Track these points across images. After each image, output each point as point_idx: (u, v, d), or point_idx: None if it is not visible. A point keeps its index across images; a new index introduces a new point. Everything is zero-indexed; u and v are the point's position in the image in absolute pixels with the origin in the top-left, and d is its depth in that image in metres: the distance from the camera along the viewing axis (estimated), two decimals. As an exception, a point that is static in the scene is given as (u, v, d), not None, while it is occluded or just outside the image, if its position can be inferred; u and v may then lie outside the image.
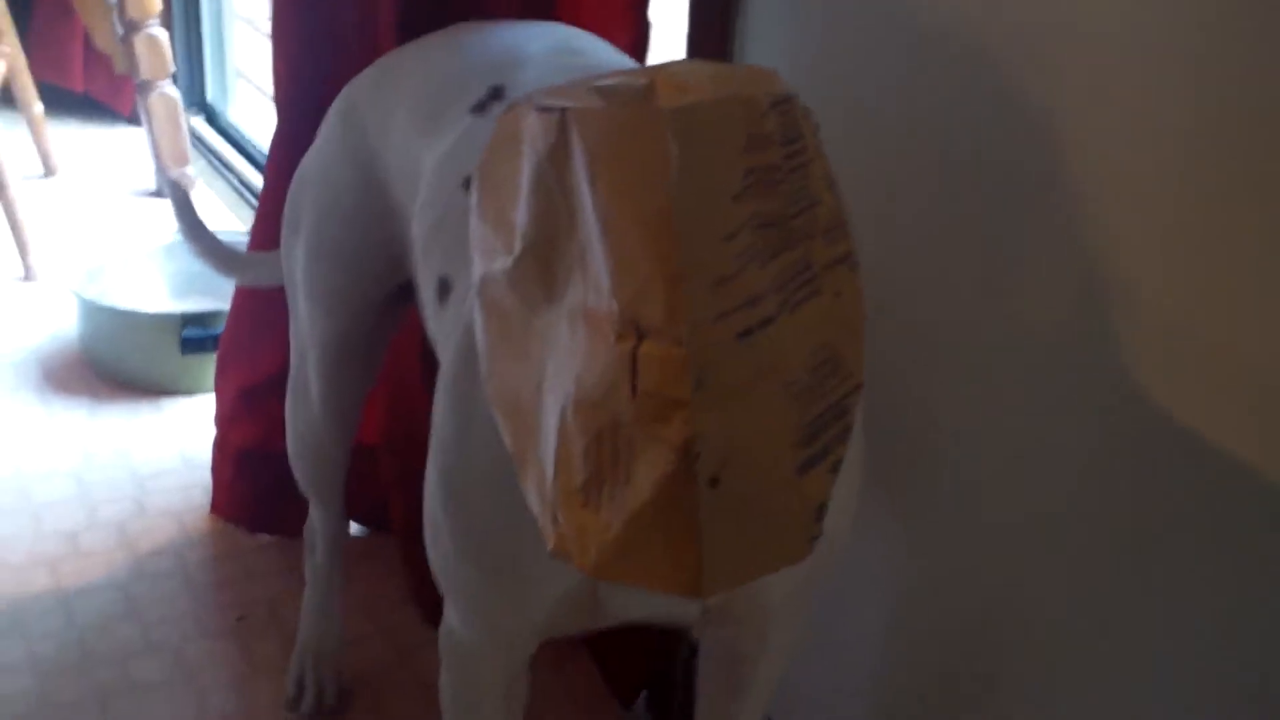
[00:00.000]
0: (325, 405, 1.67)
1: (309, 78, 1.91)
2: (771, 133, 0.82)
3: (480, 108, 1.32)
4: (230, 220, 3.26)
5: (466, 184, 0.95)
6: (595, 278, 0.81)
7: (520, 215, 0.86)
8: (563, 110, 0.82)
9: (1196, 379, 1.10)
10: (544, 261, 0.85)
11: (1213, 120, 1.05)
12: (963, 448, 1.34)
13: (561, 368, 0.84)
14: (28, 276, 3.05)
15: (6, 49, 3.29)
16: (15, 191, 3.03)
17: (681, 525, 0.80)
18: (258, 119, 3.63)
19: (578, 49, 1.41)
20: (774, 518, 0.83)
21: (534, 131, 0.84)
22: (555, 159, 0.83)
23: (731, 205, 0.80)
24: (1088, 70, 1.14)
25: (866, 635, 1.53)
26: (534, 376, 0.87)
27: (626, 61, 1.43)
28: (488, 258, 0.91)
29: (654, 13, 1.61)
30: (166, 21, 3.40)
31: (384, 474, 2.09)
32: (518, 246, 0.87)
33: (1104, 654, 1.23)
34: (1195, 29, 1.05)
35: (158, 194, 3.51)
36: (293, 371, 1.71)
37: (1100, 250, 1.15)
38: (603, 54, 1.42)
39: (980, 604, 1.37)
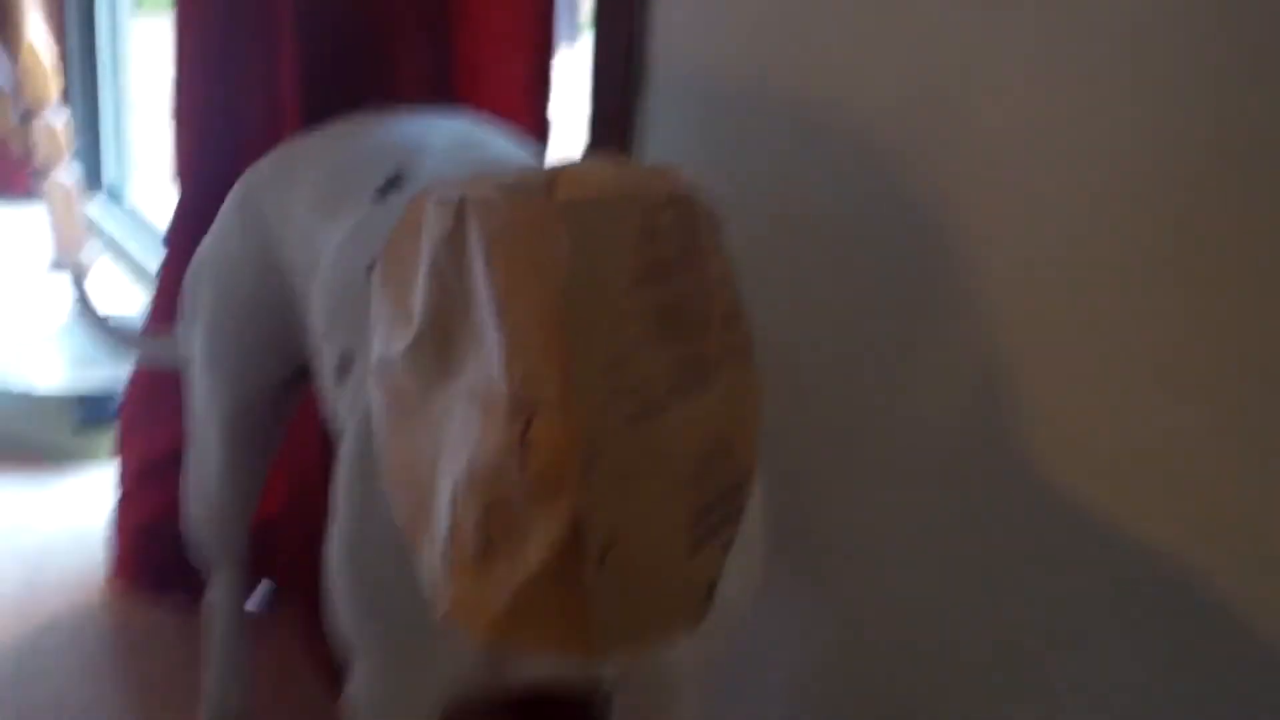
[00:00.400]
0: (226, 476, 1.69)
1: (210, 158, 1.95)
2: (667, 227, 0.87)
3: (380, 193, 1.37)
4: (131, 297, 3.26)
5: (370, 268, 0.99)
6: (488, 359, 0.85)
7: (417, 299, 0.91)
8: (460, 199, 0.86)
9: (1077, 462, 1.16)
10: (439, 343, 0.90)
11: (1101, 205, 1.11)
12: (863, 526, 1.40)
13: (456, 444, 0.88)
14: (-78, 355, 3.03)
15: (-98, 130, 3.30)
16: (-90, 271, 3.02)
17: (570, 594, 0.84)
18: (158, 199, 3.64)
19: (477, 142, 1.46)
20: (664, 592, 0.87)
21: (431, 220, 0.89)
22: (452, 245, 0.87)
23: (623, 295, 0.84)
24: (993, 162, 1.19)
25: (771, 699, 1.57)
26: (429, 452, 0.91)
27: (523, 154, 1.49)
28: (386, 340, 0.95)
29: (558, 107, 1.68)
30: (65, 98, 3.42)
31: (284, 543, 2.11)
32: (414, 329, 0.92)
33: (1009, 705, 1.29)
34: (1086, 109, 1.11)
35: (58, 268, 3.50)
36: (192, 445, 1.73)
37: (998, 351, 1.21)
38: (502, 147, 1.47)
39: (878, 677, 1.42)
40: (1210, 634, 1.09)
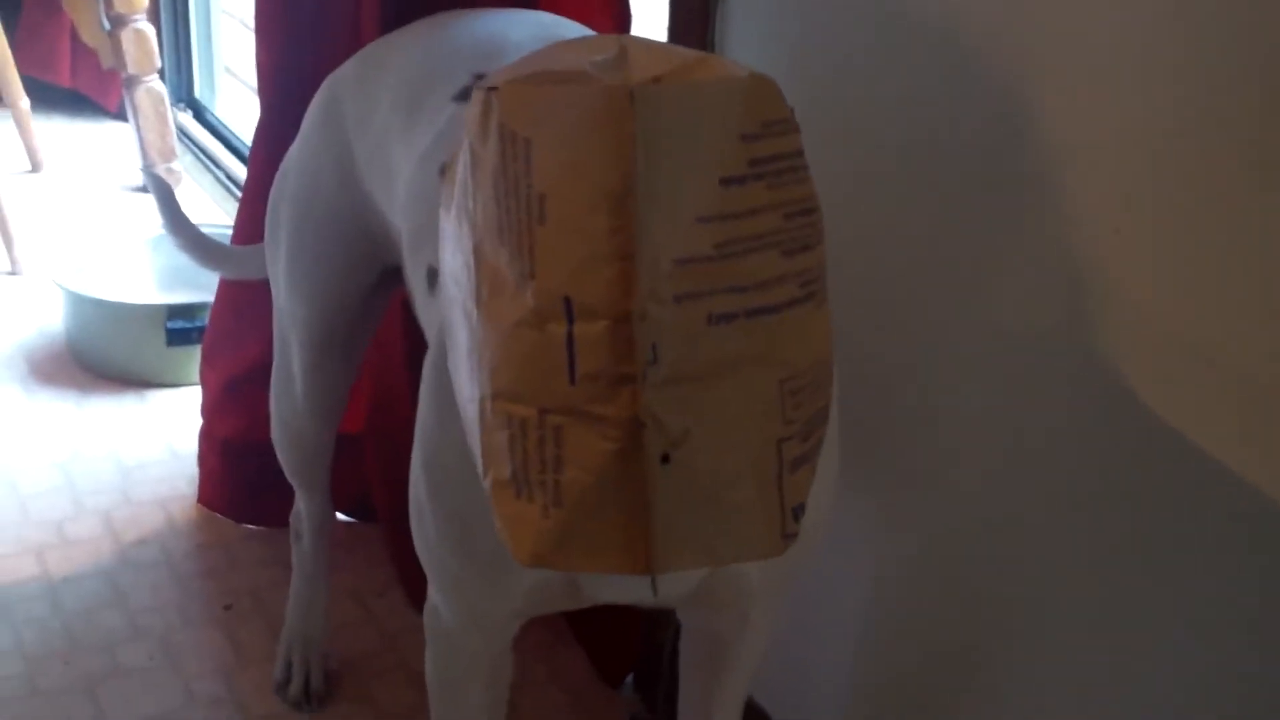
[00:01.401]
0: (309, 394, 1.68)
1: (293, 70, 1.92)
2: (780, 120, 0.81)
3: (464, 95, 1.33)
4: (216, 214, 3.27)
5: (441, 172, 0.94)
6: (498, 265, 0.79)
7: (454, 200, 0.86)
8: (491, 87, 0.80)
9: (1181, 378, 1.11)
10: (459, 247, 0.84)
11: (1198, 122, 1.06)
12: (947, 435, 1.36)
13: (471, 359, 0.83)
14: (14, 270, 3.05)
15: (-7, 44, 3.31)
16: (2, 184, 3.04)
17: (629, 502, 0.78)
18: (244, 115, 3.64)
19: (560, 36, 1.42)
20: (743, 508, 0.81)
21: (470, 110, 0.82)
22: (480, 138, 0.81)
23: (720, 188, 0.78)
24: (1076, 69, 1.15)
25: (846, 615, 1.54)
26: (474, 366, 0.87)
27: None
28: (446, 245, 0.91)
29: (635, 2, 1.63)
30: (154, 17, 3.41)
31: (368, 463, 2.11)
32: (462, 231, 0.86)
33: (1085, 634, 1.25)
34: (1183, 29, 1.06)
35: (144, 189, 3.51)
36: (276, 361, 1.72)
37: (1087, 249, 1.16)
38: None
39: (960, 584, 1.38)
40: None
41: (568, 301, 0.77)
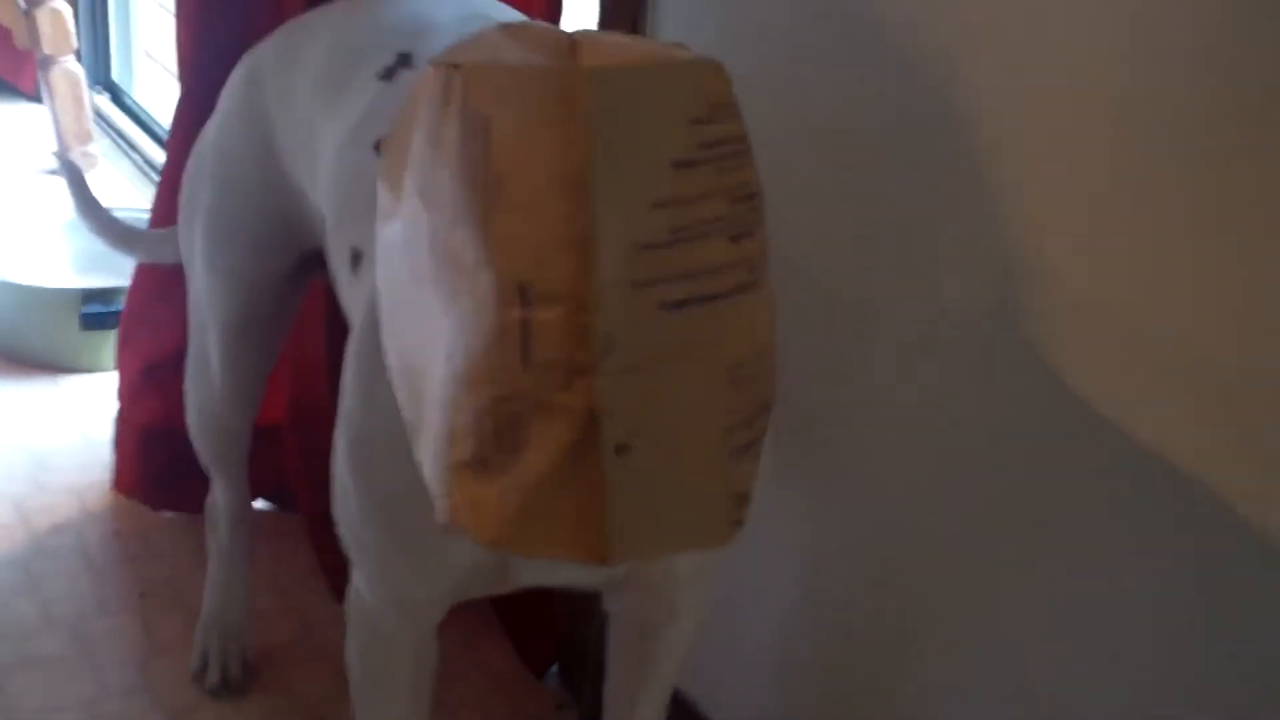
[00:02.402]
0: (226, 380, 1.65)
1: (213, 51, 1.89)
2: (717, 110, 0.80)
3: (388, 74, 1.31)
4: (134, 198, 3.21)
5: (378, 148, 0.93)
6: (456, 247, 0.79)
7: (408, 174, 0.85)
8: (453, 65, 0.80)
9: (1115, 366, 1.12)
10: (426, 221, 0.83)
11: (1138, 110, 1.06)
12: (873, 419, 1.36)
13: (439, 335, 0.82)
14: (-76, 253, 2.99)
15: (-96, 22, 3.23)
16: (-89, 167, 2.98)
17: (585, 492, 0.78)
18: (163, 99, 3.58)
19: (489, 16, 1.40)
20: (695, 497, 0.82)
21: (425, 87, 0.82)
22: (442, 114, 0.80)
23: (674, 172, 0.78)
24: (1018, 55, 1.15)
25: (771, 605, 1.54)
26: (420, 342, 0.86)
27: (534, 30, 1.43)
28: (385, 221, 0.90)
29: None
30: (71, -7, 3.35)
31: (289, 451, 2.08)
32: (402, 206, 0.86)
33: (1012, 623, 1.26)
34: (1128, 14, 1.06)
35: (58, 172, 3.45)
36: (192, 348, 1.69)
37: (1024, 238, 1.17)
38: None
39: (887, 573, 1.39)
40: (1210, 532, 1.06)
41: (524, 287, 0.76)
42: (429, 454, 0.86)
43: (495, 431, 0.79)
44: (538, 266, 0.76)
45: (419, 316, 0.85)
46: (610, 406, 0.77)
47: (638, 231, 0.77)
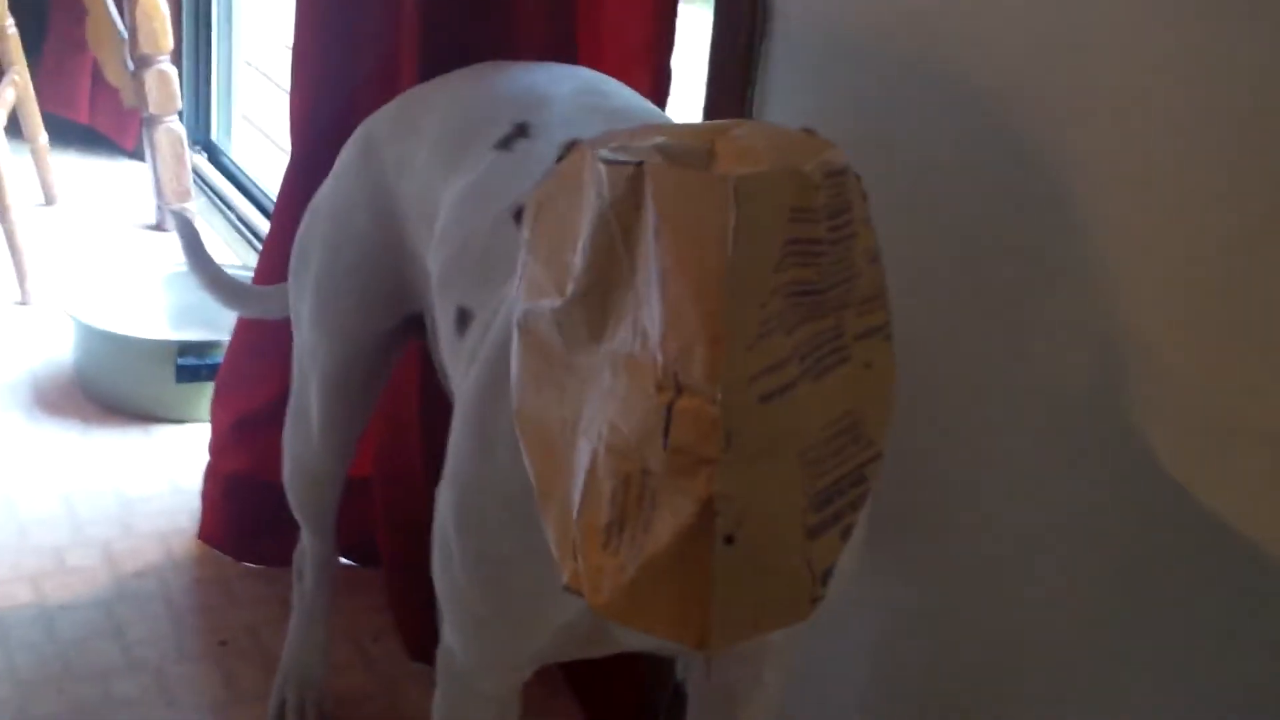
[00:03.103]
0: (324, 432, 1.69)
1: (325, 112, 1.95)
2: (820, 206, 0.85)
3: (505, 143, 1.36)
4: (227, 256, 3.29)
5: (517, 216, 0.98)
6: (644, 328, 0.84)
7: (577, 258, 0.89)
8: (638, 164, 0.85)
9: (1212, 450, 1.13)
10: (596, 306, 0.88)
11: (1239, 195, 1.08)
12: (963, 492, 1.38)
13: (598, 410, 0.87)
14: (24, 300, 3.07)
15: (16, 79, 3.34)
16: (16, 216, 3.06)
17: (695, 578, 0.82)
18: (258, 160, 3.67)
19: (603, 91, 1.45)
20: (781, 577, 0.85)
21: (602, 180, 0.87)
22: (622, 210, 0.85)
23: (770, 273, 0.83)
24: (1119, 135, 1.17)
25: (854, 667, 1.55)
26: (568, 414, 0.90)
27: (650, 107, 1.47)
28: (534, 293, 0.93)
29: (675, 61, 1.66)
30: (176, 60, 3.45)
31: (374, 507, 2.11)
32: (571, 288, 0.90)
33: (1091, 691, 1.26)
34: (1229, 98, 1.09)
35: (157, 227, 3.54)
36: (293, 399, 1.74)
37: (1123, 317, 1.19)
38: (627, 98, 1.46)
39: (961, 648, 1.39)
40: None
41: (676, 376, 0.81)
42: (557, 518, 0.89)
43: (633, 504, 0.83)
44: (686, 360, 0.81)
45: (568, 389, 0.89)
46: (725, 499, 0.81)
47: (752, 330, 0.82)
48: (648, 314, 0.84)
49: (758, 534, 0.83)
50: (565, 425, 0.90)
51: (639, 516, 0.83)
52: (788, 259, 0.84)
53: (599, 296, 0.87)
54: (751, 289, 0.81)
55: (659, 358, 0.82)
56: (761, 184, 0.82)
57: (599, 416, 0.86)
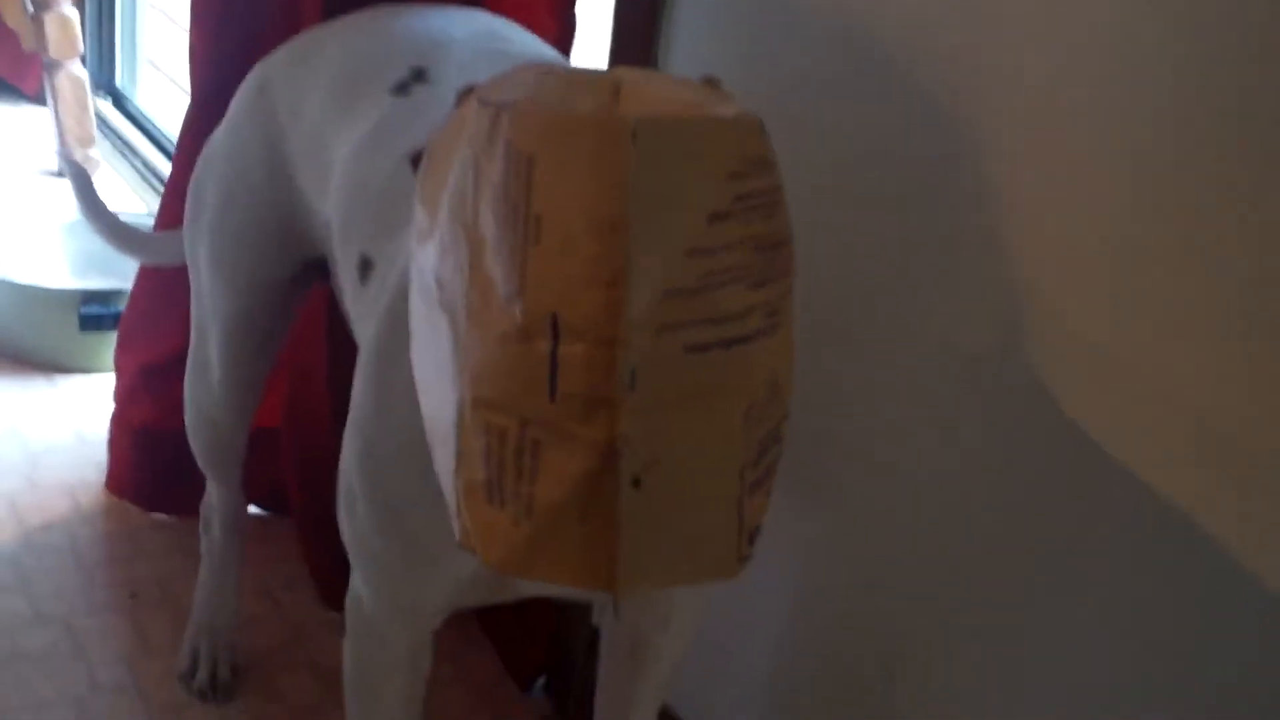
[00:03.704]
0: (225, 382, 1.67)
1: (225, 56, 1.91)
2: (753, 162, 0.84)
3: (402, 88, 1.34)
4: (133, 203, 3.24)
5: (415, 162, 0.96)
6: (488, 276, 0.82)
7: (443, 202, 0.88)
8: (499, 105, 0.83)
9: (1112, 399, 1.13)
10: (457, 249, 0.86)
11: (1146, 137, 1.08)
12: (873, 447, 1.38)
13: (453, 362, 0.85)
14: (-77, 250, 3.00)
15: (-89, 21, 3.26)
16: (-86, 164, 2.99)
17: (598, 522, 0.81)
18: (164, 106, 3.61)
19: (504, 36, 1.43)
20: (706, 532, 0.84)
21: (472, 123, 0.85)
22: (478, 153, 0.83)
23: (707, 223, 0.81)
24: (1028, 89, 1.17)
25: (763, 621, 1.56)
26: (447, 367, 0.88)
27: (553, 53, 1.45)
28: (421, 241, 0.92)
29: (579, 7, 1.64)
30: (78, 3, 3.37)
31: (283, 456, 2.10)
32: (435, 231, 0.88)
33: (997, 653, 1.28)
34: (1142, 49, 1.08)
35: (60, 174, 3.47)
36: (193, 348, 1.71)
37: (1026, 269, 1.19)
38: (529, 43, 1.44)
39: (879, 594, 1.40)
40: (1211, 571, 1.07)
41: (555, 320, 0.79)
42: (444, 473, 0.88)
43: (514, 458, 0.82)
44: (567, 302, 0.79)
45: (440, 338, 0.88)
46: (629, 440, 0.80)
47: (669, 277, 0.80)
48: (499, 262, 0.82)
49: (675, 480, 0.82)
50: (446, 379, 0.88)
51: (519, 469, 0.82)
52: (738, 213, 0.82)
53: (463, 240, 0.85)
54: (669, 236, 0.80)
55: (518, 306, 0.80)
56: (672, 129, 0.80)
57: (455, 370, 0.84)
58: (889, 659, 1.40)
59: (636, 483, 0.81)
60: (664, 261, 0.80)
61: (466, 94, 0.91)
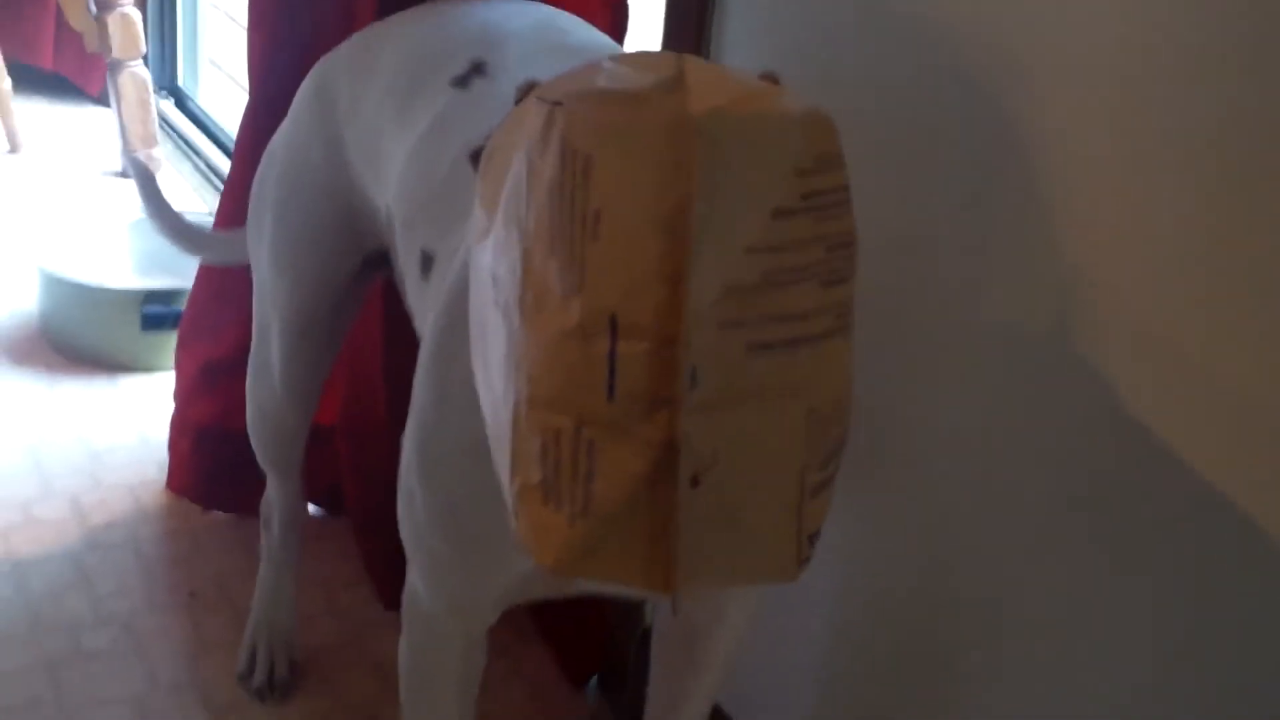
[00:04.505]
0: (286, 379, 1.67)
1: (284, 58, 1.91)
2: (833, 155, 0.82)
3: (462, 82, 1.33)
4: (194, 203, 3.25)
5: (474, 160, 0.95)
6: (546, 276, 0.80)
7: (501, 202, 0.87)
8: (553, 102, 0.81)
9: (1170, 387, 1.11)
10: (513, 247, 0.84)
11: (1199, 129, 1.06)
12: (922, 434, 1.36)
13: (508, 362, 0.84)
14: (-11, 250, 3.04)
15: (-24, 24, 3.29)
16: (-20, 165, 3.02)
17: (656, 521, 0.80)
18: (226, 105, 3.63)
19: (560, 27, 1.42)
20: (765, 534, 0.83)
21: (530, 120, 0.84)
22: (534, 152, 0.82)
23: (772, 219, 0.79)
24: (1075, 73, 1.15)
25: (814, 619, 1.54)
26: (504, 367, 0.87)
27: (609, 42, 1.44)
28: (480, 239, 0.91)
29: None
30: (140, 3, 3.40)
31: (340, 454, 2.10)
32: (491, 229, 0.87)
33: (1050, 643, 1.25)
34: (1188, 32, 1.06)
35: (123, 174, 3.49)
36: (255, 346, 1.72)
37: (1080, 256, 1.17)
38: (586, 34, 1.43)
39: (933, 592, 1.38)
40: (1263, 563, 1.05)
41: (614, 319, 0.78)
42: (501, 472, 0.87)
43: (570, 458, 0.80)
44: (628, 300, 0.77)
45: (497, 338, 0.86)
46: (689, 440, 0.78)
47: (730, 274, 0.78)
48: (549, 259, 0.80)
49: (734, 481, 0.80)
50: (503, 378, 0.87)
51: (575, 469, 0.80)
52: (807, 210, 0.80)
53: (523, 239, 0.83)
54: (731, 233, 0.78)
55: (576, 304, 0.78)
56: (738, 124, 0.78)
57: (512, 369, 0.83)
58: (941, 656, 1.38)
59: (695, 482, 0.80)
60: (724, 258, 0.78)
61: (527, 90, 0.89)
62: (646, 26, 1.70)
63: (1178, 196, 1.08)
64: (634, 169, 0.78)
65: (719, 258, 0.78)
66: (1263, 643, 1.07)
